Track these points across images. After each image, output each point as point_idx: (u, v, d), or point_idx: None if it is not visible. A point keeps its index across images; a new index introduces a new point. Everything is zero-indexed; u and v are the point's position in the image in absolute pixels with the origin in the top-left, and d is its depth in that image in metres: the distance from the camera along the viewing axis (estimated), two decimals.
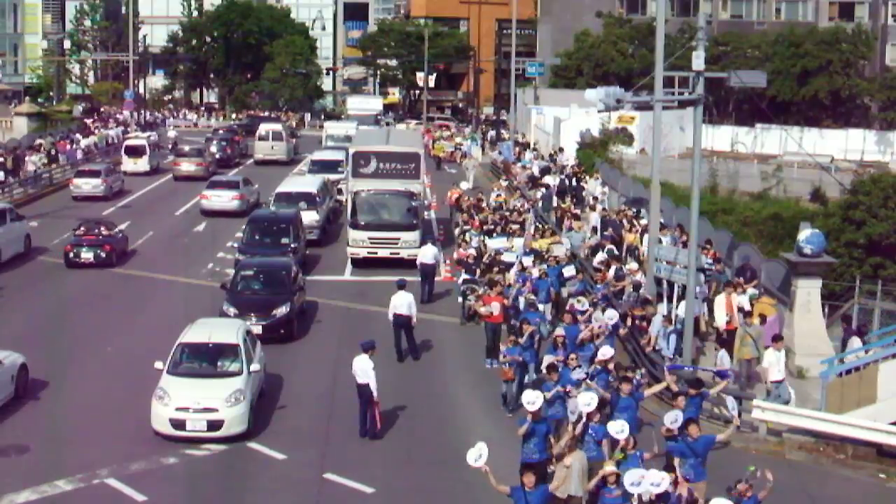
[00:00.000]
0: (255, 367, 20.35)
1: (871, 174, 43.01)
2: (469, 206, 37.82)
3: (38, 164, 51.11)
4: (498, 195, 41.61)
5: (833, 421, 19.62)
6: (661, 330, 22.47)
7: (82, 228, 34.72)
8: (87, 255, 33.17)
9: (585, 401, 16.30)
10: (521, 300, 25.09)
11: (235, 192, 42.87)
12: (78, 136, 63.71)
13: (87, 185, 46.12)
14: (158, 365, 19.96)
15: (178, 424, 18.90)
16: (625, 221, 32.98)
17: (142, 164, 54.14)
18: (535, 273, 26.62)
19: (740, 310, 23.36)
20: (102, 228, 34.81)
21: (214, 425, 18.90)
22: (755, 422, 20.10)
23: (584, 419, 16.35)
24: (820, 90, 70.34)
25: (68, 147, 58.18)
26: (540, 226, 34.84)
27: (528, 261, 28.15)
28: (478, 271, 28.31)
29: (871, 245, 36.90)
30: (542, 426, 16.43)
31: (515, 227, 33.79)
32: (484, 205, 38.38)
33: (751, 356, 21.67)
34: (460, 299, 28.01)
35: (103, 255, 33.21)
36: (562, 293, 26.82)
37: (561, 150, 51.00)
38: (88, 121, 77.06)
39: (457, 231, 35.96)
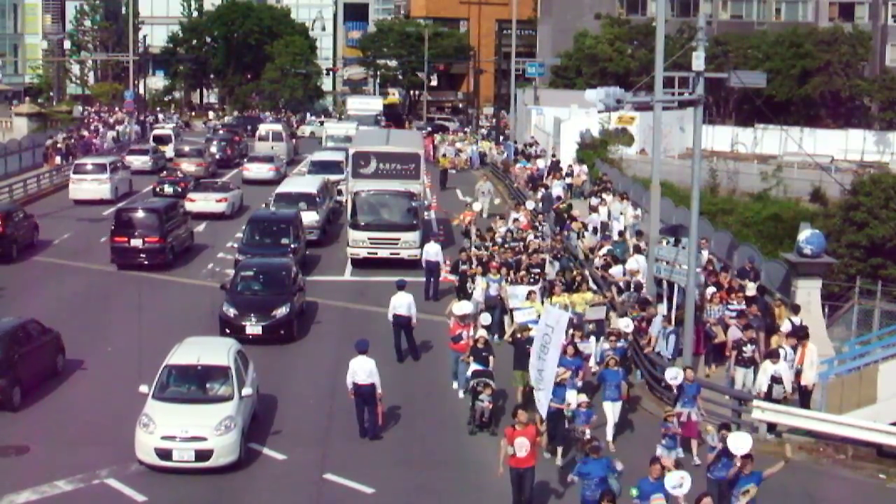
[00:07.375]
0: (247, 391, 18.89)
1: (872, 174, 42.95)
2: (479, 236, 32.10)
3: None
4: (514, 221, 34.28)
5: (833, 421, 19.62)
6: (661, 331, 22.45)
7: (165, 173, 50.48)
8: (168, 189, 45.26)
9: None
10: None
11: (271, 165, 53.68)
12: (107, 130, 70.92)
13: (137, 161, 55.33)
14: (143, 389, 18.57)
15: (164, 454, 17.61)
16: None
17: (169, 150, 60.32)
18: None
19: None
20: (178, 173, 49.49)
21: (203, 455, 17.64)
22: (755, 422, 20.09)
23: None
24: (816, 90, 70.22)
25: (95, 140, 64.23)
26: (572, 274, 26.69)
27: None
28: (491, 359, 20.46)
29: (872, 247, 36.89)
30: None
31: (536, 270, 26.60)
32: (493, 232, 31.88)
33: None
34: (460, 391, 21.96)
35: (179, 189, 44.79)
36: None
37: (580, 161, 48.96)
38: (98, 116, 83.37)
39: (452, 275, 28.57)
